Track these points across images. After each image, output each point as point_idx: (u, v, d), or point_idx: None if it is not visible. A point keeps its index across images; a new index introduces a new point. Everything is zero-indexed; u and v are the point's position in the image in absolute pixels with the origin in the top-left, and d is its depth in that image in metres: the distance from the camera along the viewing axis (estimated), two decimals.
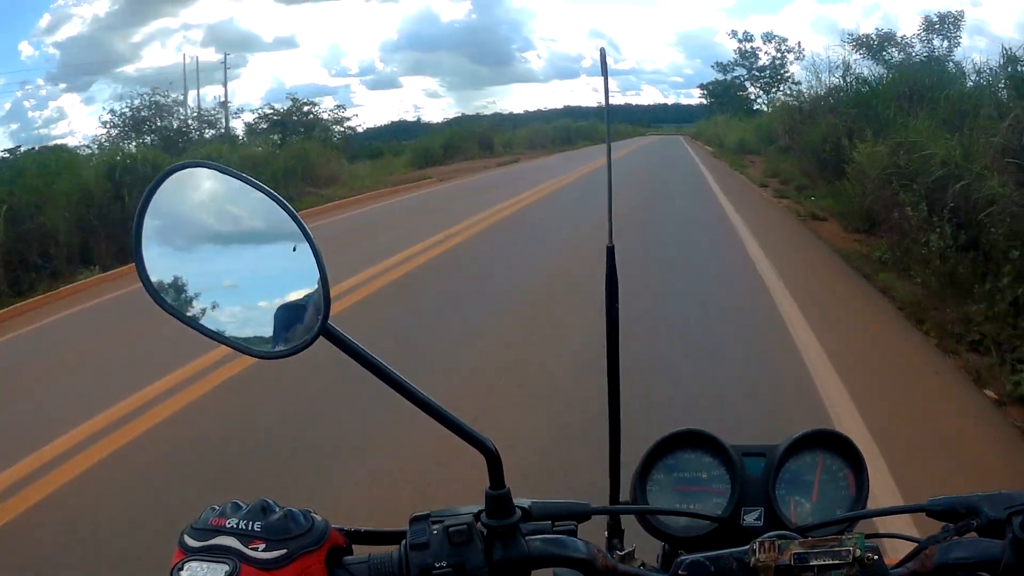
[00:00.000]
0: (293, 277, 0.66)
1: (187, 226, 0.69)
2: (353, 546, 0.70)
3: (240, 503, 0.66)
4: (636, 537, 0.90)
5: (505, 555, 0.68)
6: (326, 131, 25.81)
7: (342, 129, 27.64)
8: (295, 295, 0.66)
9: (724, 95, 47.69)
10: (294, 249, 0.65)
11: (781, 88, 39.21)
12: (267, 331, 0.67)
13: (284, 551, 0.62)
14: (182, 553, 0.62)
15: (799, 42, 42.52)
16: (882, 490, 2.80)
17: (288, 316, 0.66)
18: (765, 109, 36.98)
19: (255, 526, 0.63)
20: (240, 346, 0.67)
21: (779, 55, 42.61)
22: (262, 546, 0.62)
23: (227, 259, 0.68)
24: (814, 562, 0.68)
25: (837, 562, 0.68)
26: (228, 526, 0.63)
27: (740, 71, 45.91)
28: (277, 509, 0.65)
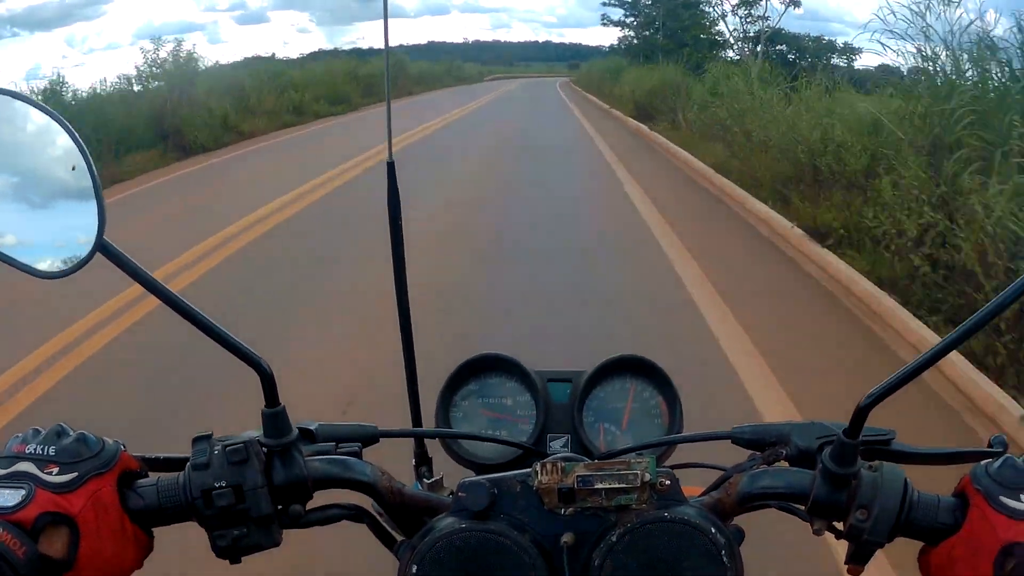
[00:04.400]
0: (70, 195, 0.65)
1: None
2: (149, 472, 0.70)
3: (40, 429, 0.66)
4: (447, 465, 0.92)
5: (284, 475, 0.68)
6: None
7: None
8: (72, 213, 0.65)
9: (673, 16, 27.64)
10: (73, 168, 0.64)
11: None
12: (45, 250, 0.66)
13: (76, 474, 0.63)
14: None
15: None
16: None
17: (65, 234, 0.66)
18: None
19: (49, 451, 0.64)
20: (16, 264, 0.65)
21: None
22: (56, 470, 0.63)
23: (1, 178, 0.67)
24: (599, 485, 0.66)
25: (624, 486, 0.66)
26: (27, 452, 0.64)
27: None
28: (71, 433, 0.65)
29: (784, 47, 25.91)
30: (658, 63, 23.15)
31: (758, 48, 23.65)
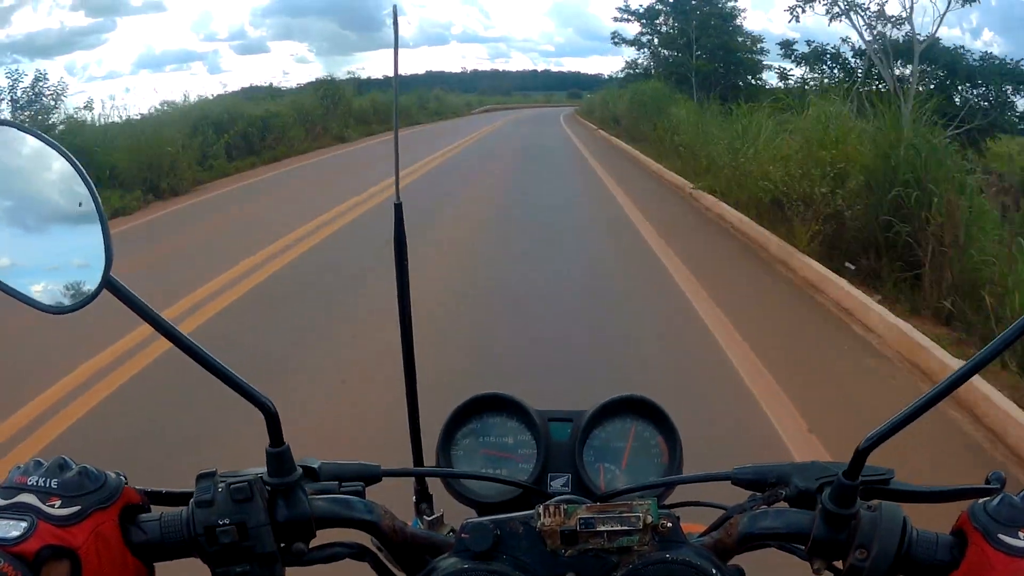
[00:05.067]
0: (77, 231, 0.65)
1: None
2: (152, 505, 0.70)
3: (42, 461, 0.66)
4: (447, 501, 0.91)
5: (288, 513, 0.68)
6: None
7: None
8: (80, 249, 0.65)
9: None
10: (80, 204, 0.65)
11: None
12: (52, 285, 0.67)
13: (78, 508, 0.63)
14: None
15: None
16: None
17: (72, 270, 0.66)
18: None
19: (52, 483, 0.64)
20: (25, 299, 0.66)
21: None
22: (58, 503, 0.63)
23: (9, 213, 0.67)
24: (601, 528, 0.66)
25: (627, 528, 0.66)
26: (29, 484, 0.64)
27: None
28: (73, 466, 0.66)
29: (928, 66, 15.48)
30: (691, 90, 17.95)
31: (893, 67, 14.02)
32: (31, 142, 0.66)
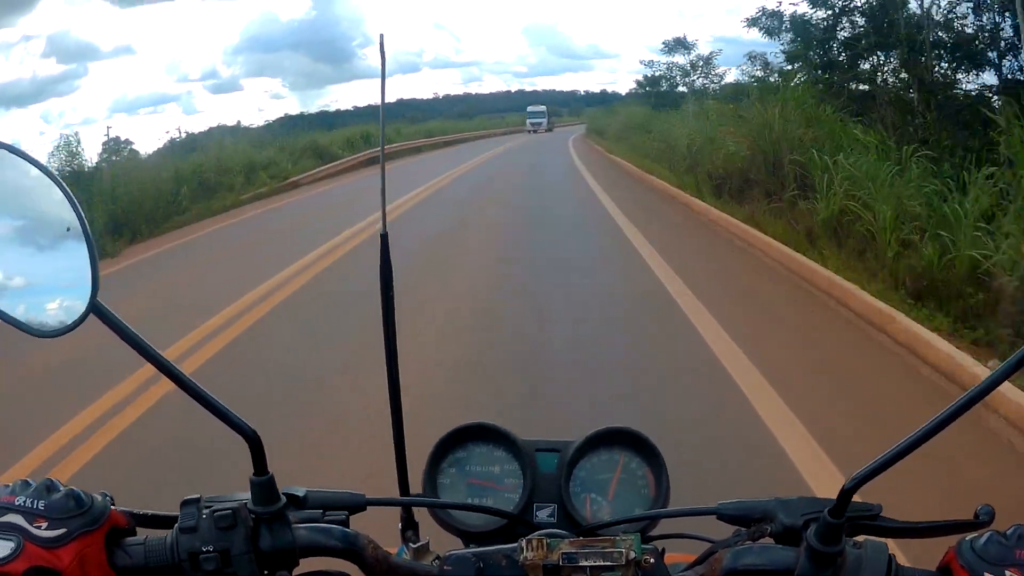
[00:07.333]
0: (65, 256, 0.65)
1: None
2: (137, 528, 0.70)
3: (30, 481, 0.66)
4: (433, 529, 0.90)
5: (271, 542, 0.68)
6: None
7: None
8: (67, 274, 0.65)
9: None
10: (68, 229, 0.65)
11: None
12: (40, 309, 0.67)
13: (64, 530, 0.63)
14: None
15: None
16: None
17: (60, 294, 0.66)
18: None
19: (39, 504, 0.64)
20: (13, 322, 0.66)
21: None
22: (45, 524, 0.63)
23: None
24: (584, 563, 0.66)
25: (609, 564, 0.66)
26: (16, 504, 0.64)
27: None
28: (60, 488, 0.65)
29: None
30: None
31: None
32: (25, 167, 0.66)
